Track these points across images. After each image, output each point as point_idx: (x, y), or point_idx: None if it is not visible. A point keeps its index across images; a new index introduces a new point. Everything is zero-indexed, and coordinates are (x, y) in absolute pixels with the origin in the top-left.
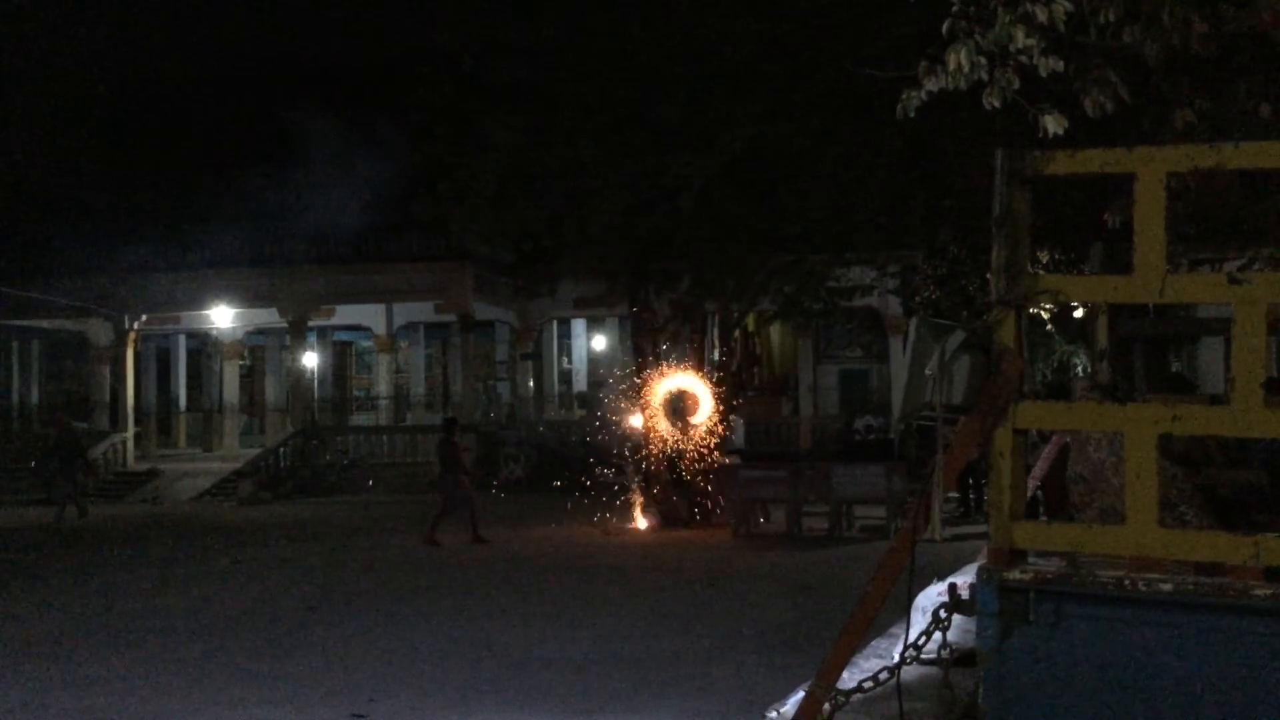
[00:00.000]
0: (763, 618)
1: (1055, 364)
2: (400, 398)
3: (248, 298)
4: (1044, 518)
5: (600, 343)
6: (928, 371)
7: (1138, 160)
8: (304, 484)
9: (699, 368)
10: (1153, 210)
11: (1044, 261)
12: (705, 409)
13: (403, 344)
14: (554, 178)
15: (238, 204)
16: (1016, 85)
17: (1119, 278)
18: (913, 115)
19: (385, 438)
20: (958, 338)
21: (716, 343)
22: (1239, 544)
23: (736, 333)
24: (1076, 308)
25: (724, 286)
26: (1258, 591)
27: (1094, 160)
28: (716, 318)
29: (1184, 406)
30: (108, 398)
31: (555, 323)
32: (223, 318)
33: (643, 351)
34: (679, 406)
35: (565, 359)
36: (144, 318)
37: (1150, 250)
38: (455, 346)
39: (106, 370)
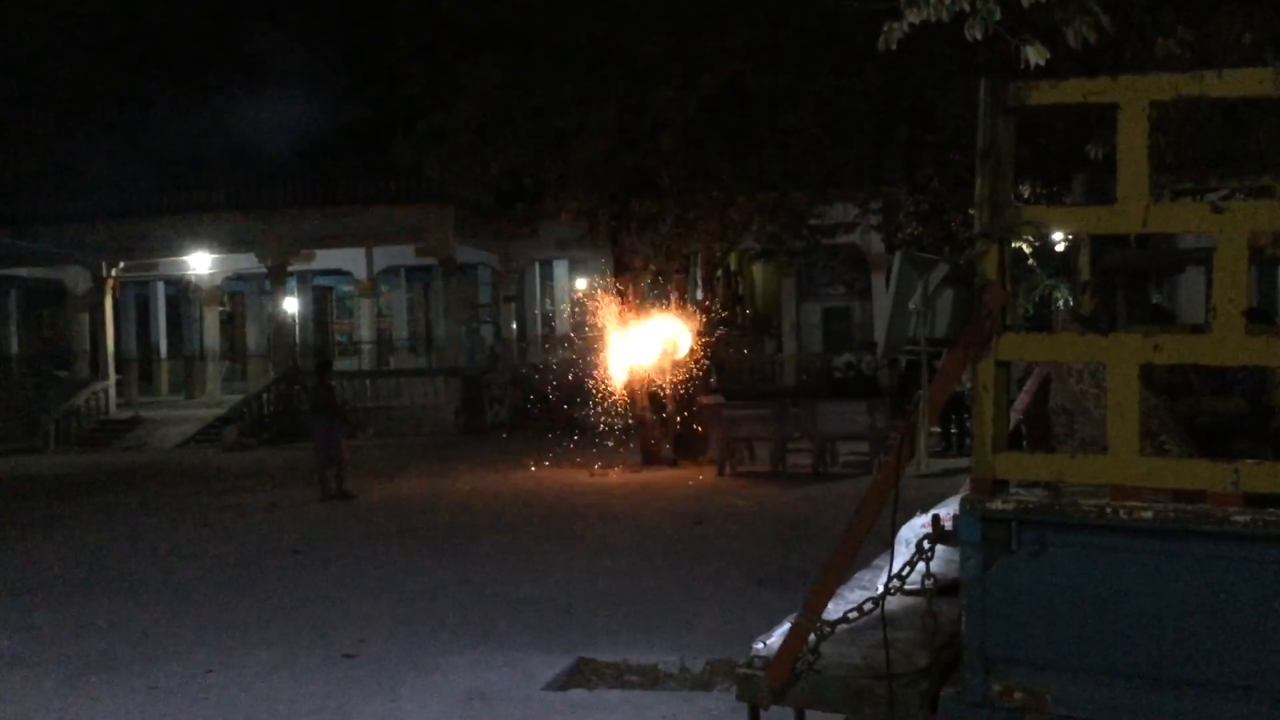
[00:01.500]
0: (748, 554)
1: (1037, 297)
2: (382, 342)
3: (226, 243)
4: (1027, 449)
5: (583, 284)
6: (911, 305)
7: (1121, 89)
8: (287, 429)
9: (681, 307)
10: (1136, 140)
11: (1025, 195)
12: (685, 347)
13: (384, 288)
14: (533, 119)
15: (215, 147)
16: (998, 16)
17: (1102, 208)
18: (894, 48)
19: (368, 382)
20: (941, 271)
21: (699, 282)
22: (1219, 471)
23: (719, 272)
24: (1058, 241)
25: (706, 226)
26: (1237, 517)
27: (1077, 90)
28: (699, 257)
29: (1165, 336)
30: (88, 346)
31: (538, 265)
32: (201, 263)
33: (625, 293)
34: (660, 347)
35: (548, 301)
36: (122, 264)
37: (1133, 180)
38: (437, 290)
39: (86, 318)
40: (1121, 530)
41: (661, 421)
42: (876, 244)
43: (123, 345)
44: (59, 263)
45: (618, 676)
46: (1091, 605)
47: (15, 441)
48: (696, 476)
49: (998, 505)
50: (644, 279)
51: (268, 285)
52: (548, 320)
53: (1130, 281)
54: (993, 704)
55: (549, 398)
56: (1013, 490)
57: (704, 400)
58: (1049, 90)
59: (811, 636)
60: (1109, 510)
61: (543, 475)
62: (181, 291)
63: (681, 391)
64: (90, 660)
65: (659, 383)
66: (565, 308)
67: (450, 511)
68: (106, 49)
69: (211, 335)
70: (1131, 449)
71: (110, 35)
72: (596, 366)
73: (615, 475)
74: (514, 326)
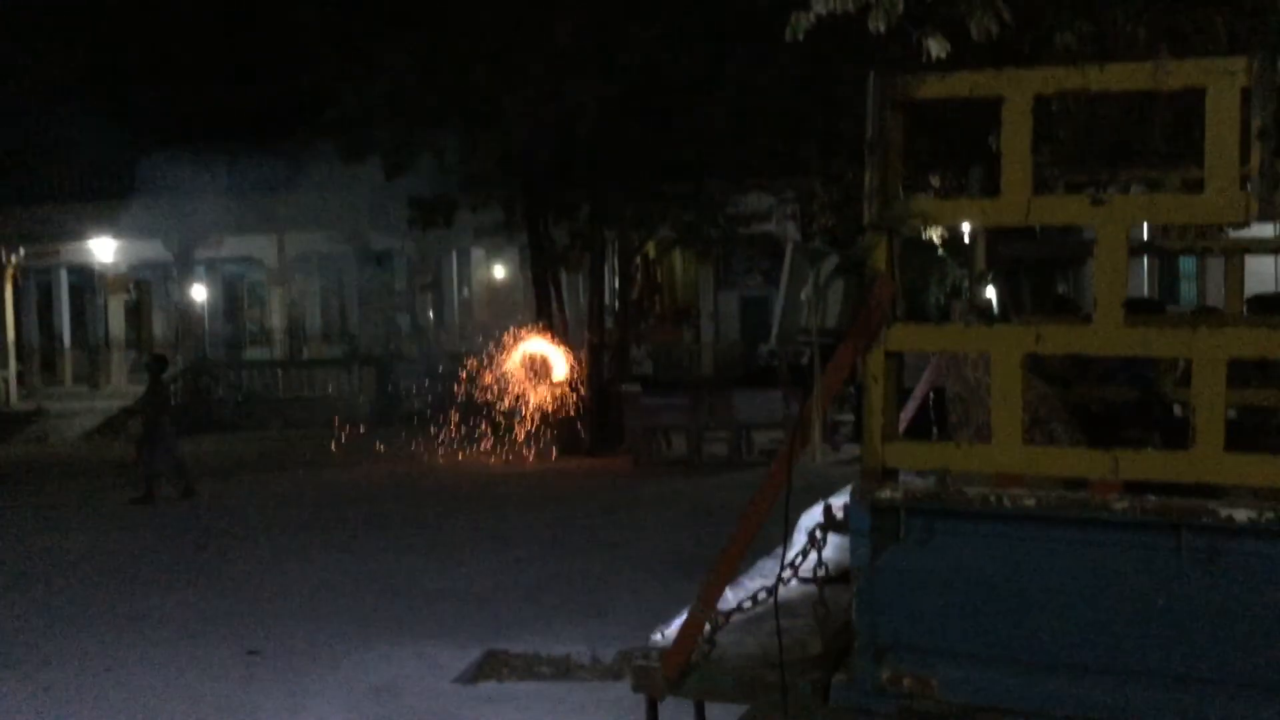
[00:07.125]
0: (663, 543)
1: (949, 288)
2: (295, 331)
3: (133, 229)
4: (935, 435)
5: (500, 272)
6: (803, 296)
7: (1005, 83)
8: (196, 421)
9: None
10: (1019, 132)
11: (936, 185)
12: (560, 369)
13: (296, 276)
14: (447, 102)
15: (120, 132)
16: (900, 8)
17: (987, 201)
18: (801, 38)
19: (280, 372)
20: (832, 262)
21: (617, 270)
22: (1098, 459)
23: (637, 260)
24: (965, 233)
25: (623, 214)
26: (1117, 505)
27: (963, 83)
28: (616, 246)
29: (1048, 327)
30: None
31: (455, 252)
32: (106, 251)
33: (542, 281)
34: (534, 368)
35: (465, 289)
36: (22, 251)
37: (1017, 172)
38: (351, 278)
39: None
40: (1005, 518)
41: (578, 410)
42: (793, 233)
43: (24, 335)
44: None
45: (529, 668)
46: (977, 592)
47: None
48: (612, 465)
49: (886, 494)
50: (561, 267)
51: (175, 273)
52: (466, 309)
53: (1035, 272)
54: (882, 690)
55: (465, 386)
56: (904, 478)
57: (621, 389)
58: (936, 84)
59: (707, 626)
60: (993, 498)
61: (458, 465)
62: (85, 279)
63: (599, 380)
64: None
65: (576, 371)
66: (483, 296)
67: (361, 503)
68: (11, 31)
69: (117, 324)
70: (1015, 438)
71: (17, 18)
72: (514, 354)
73: (531, 464)
74: (430, 315)
